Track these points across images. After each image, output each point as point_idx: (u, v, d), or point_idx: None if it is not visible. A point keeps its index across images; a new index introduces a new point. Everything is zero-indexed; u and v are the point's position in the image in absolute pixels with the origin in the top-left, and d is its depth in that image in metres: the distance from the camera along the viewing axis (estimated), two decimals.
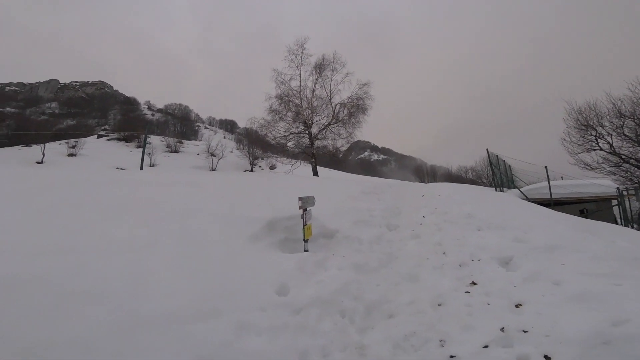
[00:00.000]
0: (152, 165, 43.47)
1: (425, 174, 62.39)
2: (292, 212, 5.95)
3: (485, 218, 7.39)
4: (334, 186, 10.72)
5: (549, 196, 13.98)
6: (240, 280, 3.80)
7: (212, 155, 46.14)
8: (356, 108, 22.58)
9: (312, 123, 22.70)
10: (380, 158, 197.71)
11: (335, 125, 23.65)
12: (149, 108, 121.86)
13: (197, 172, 21.26)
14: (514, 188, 17.96)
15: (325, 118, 23.00)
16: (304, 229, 5.11)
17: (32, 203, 5.38)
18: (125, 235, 4.58)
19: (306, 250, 5.21)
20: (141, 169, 18.39)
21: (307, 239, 5.24)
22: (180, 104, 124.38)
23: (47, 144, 41.96)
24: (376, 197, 9.88)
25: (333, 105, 23.15)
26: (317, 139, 23.88)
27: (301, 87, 22.50)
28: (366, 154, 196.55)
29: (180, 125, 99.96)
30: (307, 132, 23.35)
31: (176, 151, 55.42)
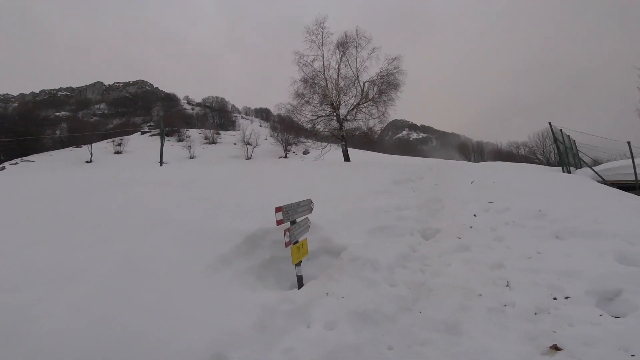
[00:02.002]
0: (191, 157, 44.98)
1: (471, 151, 57.44)
2: None
3: (563, 217, 5.21)
4: (357, 175, 8.92)
5: (633, 177, 10.79)
6: (157, 340, 2.39)
7: (248, 144, 46.55)
8: (387, 84, 20.28)
9: (340, 104, 20.85)
10: (420, 136, 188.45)
11: (365, 104, 21.20)
12: (188, 102, 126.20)
13: (217, 164, 20.59)
14: (582, 167, 14.65)
15: (353, 98, 21.00)
16: (292, 250, 3.52)
17: None
18: (53, 260, 3.54)
19: (299, 277, 3.65)
20: (160, 165, 18.08)
21: (300, 262, 3.66)
22: (217, 97, 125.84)
23: (97, 144, 45.04)
24: (410, 186, 7.91)
25: (361, 84, 20.91)
26: (347, 120, 21.69)
27: (325, 68, 20.63)
28: (404, 133, 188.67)
29: (218, 117, 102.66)
30: (334, 114, 21.31)
31: (214, 142, 56.38)
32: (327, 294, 3.32)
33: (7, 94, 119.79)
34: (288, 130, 39.33)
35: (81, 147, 45.75)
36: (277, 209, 3.38)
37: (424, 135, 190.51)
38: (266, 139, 50.62)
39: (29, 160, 39.43)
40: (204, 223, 4.53)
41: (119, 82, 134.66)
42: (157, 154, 44.82)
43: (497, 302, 3.24)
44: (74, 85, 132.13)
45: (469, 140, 72.95)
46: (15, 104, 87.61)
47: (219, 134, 62.18)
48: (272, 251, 4.09)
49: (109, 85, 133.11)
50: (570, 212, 5.43)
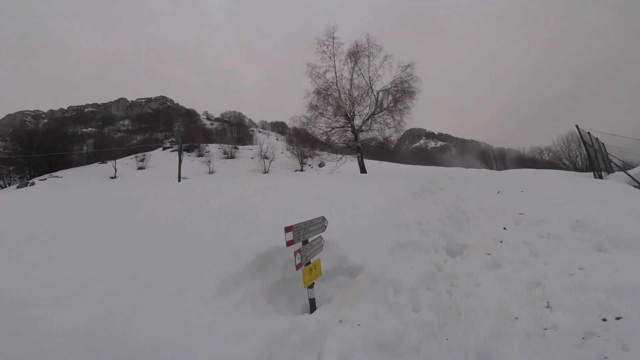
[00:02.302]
0: (211, 172, 45.64)
1: (492, 158, 55.46)
2: None
3: (605, 228, 4.73)
4: (374, 187, 8.56)
5: None
6: None
7: (265, 158, 46.90)
8: (401, 92, 19.92)
9: (354, 115, 20.63)
10: (438, 145, 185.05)
11: (380, 114, 20.83)
12: (208, 118, 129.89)
13: (235, 178, 20.70)
14: (613, 171, 13.66)
15: (367, 108, 20.71)
16: (303, 272, 3.26)
17: None
18: (62, 277, 3.53)
19: (311, 300, 3.38)
20: (179, 180, 18.34)
21: (312, 285, 3.39)
22: (234, 111, 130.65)
23: (121, 159, 46.50)
24: (432, 198, 7.50)
25: (375, 93, 20.65)
26: (362, 131, 21.27)
27: (337, 78, 20.53)
28: (421, 142, 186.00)
29: (236, 131, 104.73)
30: (349, 125, 21.01)
31: (232, 157, 57.35)
32: (341, 321, 3.01)
33: (38, 110, 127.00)
34: (303, 143, 39.37)
35: (106, 162, 47.32)
36: (287, 229, 3.15)
37: (442, 143, 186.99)
38: (282, 152, 51.14)
39: (57, 176, 41.03)
40: (216, 240, 4.36)
41: (142, 99, 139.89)
42: (177, 168, 46.10)
43: (536, 326, 2.88)
44: (99, 102, 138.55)
45: (489, 147, 70.69)
46: (45, 120, 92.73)
47: (237, 148, 63.21)
48: (284, 271, 3.84)
49: (132, 101, 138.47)
50: (612, 221, 4.92)
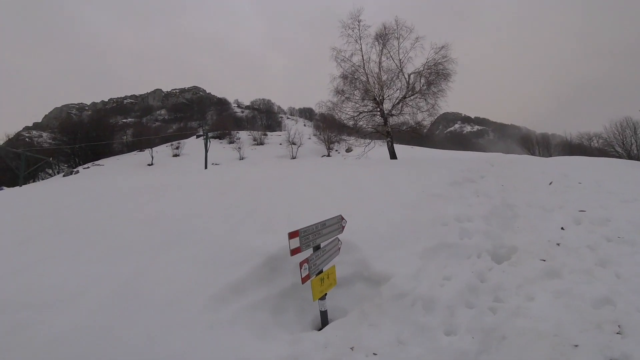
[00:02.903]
0: (241, 158, 47.08)
1: (535, 144, 51.31)
2: None
3: None
4: (406, 175, 7.81)
5: None
6: None
7: (292, 143, 47.49)
8: (435, 75, 18.82)
9: (383, 99, 19.74)
10: (475, 129, 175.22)
11: (412, 97, 19.75)
12: (238, 106, 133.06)
13: (261, 165, 20.62)
14: None
15: (398, 91, 19.74)
16: (312, 284, 2.77)
17: None
18: (60, 278, 3.30)
19: (323, 312, 2.91)
20: (205, 167, 18.59)
21: (324, 296, 2.92)
22: (263, 99, 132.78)
23: (157, 147, 48.88)
24: (472, 188, 6.64)
25: (406, 76, 19.56)
26: (392, 115, 20.34)
27: (364, 62, 19.74)
28: (456, 126, 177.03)
29: (265, 118, 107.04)
30: (378, 109, 20.14)
31: (261, 143, 58.27)
32: (352, 348, 2.48)
33: (81, 102, 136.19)
34: (330, 128, 39.20)
35: (144, 150, 49.96)
36: (292, 235, 2.62)
37: (479, 127, 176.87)
38: (309, 138, 51.41)
39: (99, 164, 43.99)
40: (225, 238, 3.98)
41: (176, 89, 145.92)
42: (210, 155, 47.84)
43: (602, 356, 2.21)
44: (137, 93, 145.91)
45: (531, 133, 65.64)
46: (89, 112, 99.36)
47: (266, 134, 64.95)
48: (294, 276, 3.36)
49: (167, 92, 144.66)
50: None
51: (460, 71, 18.78)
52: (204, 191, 6.99)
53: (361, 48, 19.65)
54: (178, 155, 51.54)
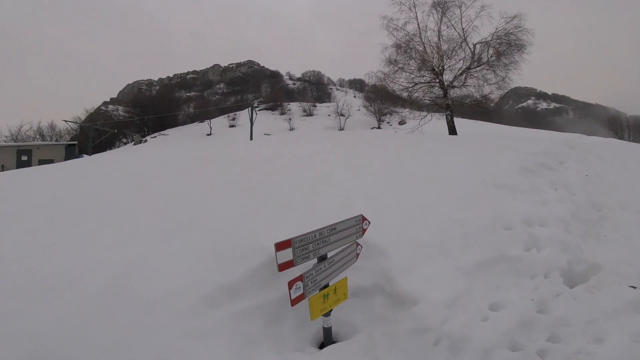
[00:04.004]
0: (291, 129, 48.41)
1: (625, 127, 43.48)
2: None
3: None
4: (466, 155, 6.49)
5: None
6: None
7: (341, 115, 47.26)
8: (507, 45, 17.20)
9: (443, 69, 18.42)
10: (552, 106, 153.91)
11: (478, 68, 18.15)
12: (290, 78, 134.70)
13: (305, 137, 20.00)
14: None
15: (461, 62, 18.23)
16: (311, 302, 2.10)
17: None
18: (59, 266, 3.06)
19: (326, 329, 2.28)
20: (251, 139, 18.68)
21: (329, 313, 2.26)
22: (313, 71, 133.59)
23: (215, 119, 52.32)
24: (549, 178, 5.23)
25: (471, 46, 18.04)
26: (453, 87, 18.81)
27: (420, 31, 18.57)
28: (529, 102, 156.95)
29: (315, 90, 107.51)
30: (437, 80, 18.70)
31: (310, 114, 59.54)
32: None
33: (150, 79, 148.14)
34: (382, 99, 37.85)
35: (204, 122, 53.57)
36: (281, 245, 1.96)
37: (557, 105, 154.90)
38: (359, 110, 51.12)
39: (164, 134, 48.16)
40: (232, 229, 3.46)
41: (232, 64, 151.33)
42: (263, 126, 49.52)
43: None
44: (198, 69, 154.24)
45: (621, 114, 55.68)
46: (157, 87, 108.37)
47: (315, 106, 66.48)
48: None
49: (224, 66, 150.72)
50: None
51: (538, 43, 16.92)
52: (235, 167, 6.62)
53: (416, 16, 18.40)
54: (234, 126, 54.54)
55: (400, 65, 19.07)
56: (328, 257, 2.30)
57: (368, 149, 8.17)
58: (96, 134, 36.81)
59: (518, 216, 3.69)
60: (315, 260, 2.26)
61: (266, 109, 69.95)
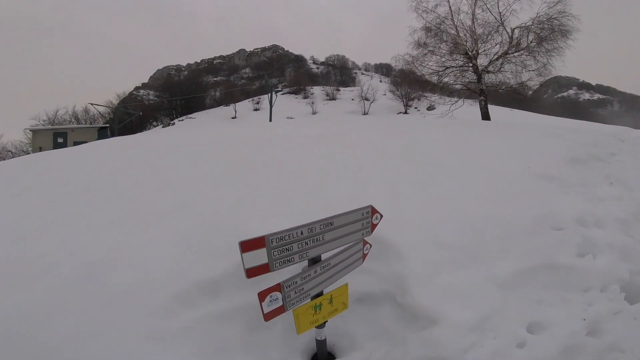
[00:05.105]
0: (314, 113, 48.31)
1: None
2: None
3: None
4: (503, 142, 5.64)
5: None
6: None
7: (365, 99, 46.23)
8: (549, 31, 16.13)
9: (478, 53, 17.73)
10: (595, 97, 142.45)
11: (516, 54, 17.30)
12: (314, 62, 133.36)
13: (332, 119, 19.34)
14: None
15: (497, 46, 17.42)
16: (297, 314, 1.66)
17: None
18: (42, 251, 2.82)
19: (320, 342, 1.89)
20: (270, 120, 18.41)
21: (323, 325, 1.87)
22: (337, 55, 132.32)
23: (240, 103, 53.43)
24: (603, 171, 4.39)
25: (508, 30, 17.26)
26: (488, 72, 17.99)
27: (453, 13, 17.85)
28: (571, 92, 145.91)
29: (339, 74, 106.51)
30: (470, 64, 17.93)
31: (333, 98, 58.55)
32: None
33: (179, 64, 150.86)
34: (409, 84, 36.70)
35: (229, 105, 54.61)
36: (247, 245, 1.48)
37: (601, 96, 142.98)
38: (384, 94, 49.92)
39: (191, 118, 49.34)
40: (223, 214, 3.06)
41: (257, 49, 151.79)
42: (286, 110, 49.63)
43: None
44: (224, 54, 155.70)
45: None
46: (185, 72, 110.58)
47: (339, 90, 66.25)
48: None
49: (250, 51, 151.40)
50: None
51: (583, 29, 15.82)
52: (244, 148, 6.24)
53: None
54: (258, 110, 55.16)
55: (430, 49, 18.35)
56: (322, 259, 1.82)
57: (391, 132, 7.44)
58: (125, 117, 38.37)
59: (570, 214, 2.99)
60: (305, 263, 1.79)
61: (289, 92, 70.09)
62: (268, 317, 1.56)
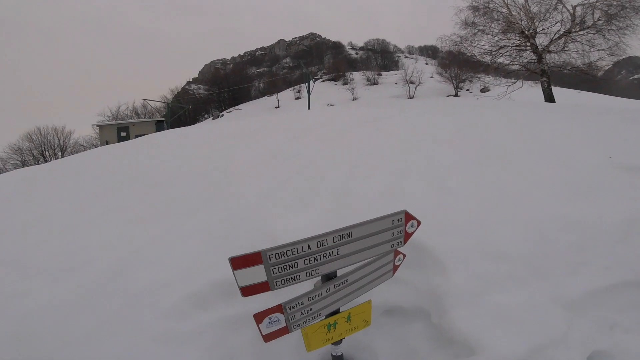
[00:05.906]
0: (354, 99, 47.86)
1: None
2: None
3: None
4: (576, 127, 4.73)
5: None
6: None
7: (410, 82, 45.11)
8: (619, 7, 14.64)
9: (535, 32, 16.73)
10: None
11: (581, 32, 16.03)
12: (352, 48, 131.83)
13: (373, 105, 18.64)
14: None
15: (558, 24, 16.23)
16: (307, 333, 1.44)
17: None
18: (78, 245, 2.94)
19: (337, 357, 1.57)
20: (308, 108, 18.27)
21: (339, 342, 1.63)
22: (377, 39, 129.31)
23: (283, 92, 54.98)
24: None
25: (569, 7, 15.91)
26: (549, 51, 16.76)
27: None
28: None
29: (380, 58, 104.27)
30: (527, 43, 16.91)
31: (375, 83, 57.70)
32: None
33: (224, 58, 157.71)
34: (460, 65, 34.60)
35: (272, 95, 56.19)
36: (238, 262, 1.26)
37: None
38: (432, 77, 48.13)
39: (238, 109, 51.66)
40: (248, 210, 2.94)
41: (296, 38, 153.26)
42: (326, 97, 49.55)
43: None
44: (264, 45, 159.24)
45: None
46: (230, 66, 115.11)
47: (380, 74, 65.43)
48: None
49: (289, 41, 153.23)
50: None
51: None
52: (278, 136, 6.14)
53: None
54: (299, 98, 55.95)
55: (480, 28, 17.56)
56: (338, 275, 1.53)
57: (438, 115, 6.71)
58: (178, 110, 41.55)
59: None
60: (318, 279, 1.53)
61: (328, 80, 69.85)
62: (268, 338, 1.36)
